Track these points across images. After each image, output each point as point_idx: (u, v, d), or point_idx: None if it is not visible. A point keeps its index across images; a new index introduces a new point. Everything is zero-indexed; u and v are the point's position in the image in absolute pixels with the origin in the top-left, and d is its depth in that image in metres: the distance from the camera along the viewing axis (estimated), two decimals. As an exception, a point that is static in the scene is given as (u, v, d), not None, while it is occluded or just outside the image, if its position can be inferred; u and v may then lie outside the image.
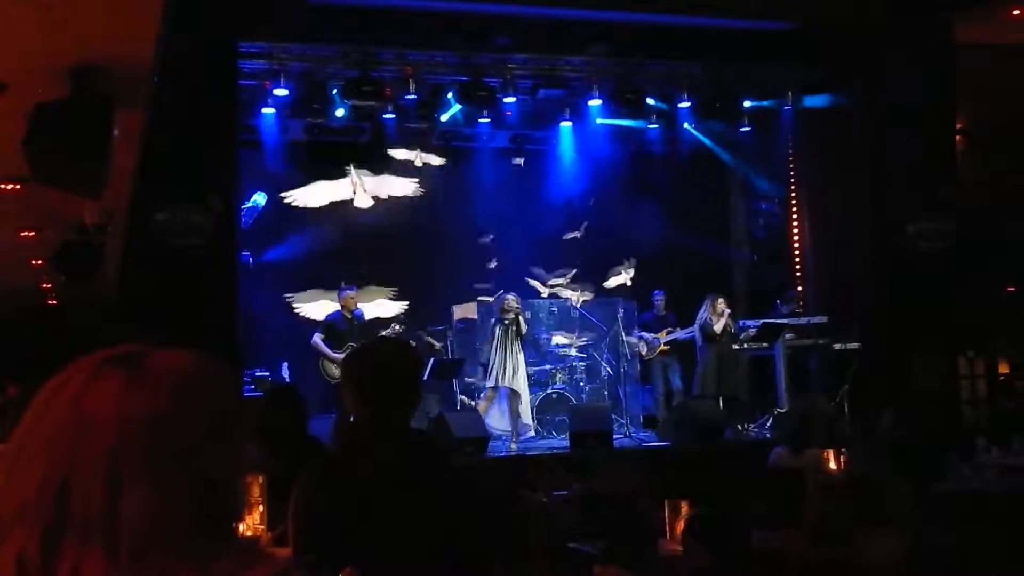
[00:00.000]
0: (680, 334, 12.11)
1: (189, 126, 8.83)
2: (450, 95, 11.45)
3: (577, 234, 13.07)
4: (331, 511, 2.54)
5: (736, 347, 11.86)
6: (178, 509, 1.16)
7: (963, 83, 11.05)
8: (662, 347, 12.13)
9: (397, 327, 11.38)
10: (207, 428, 1.22)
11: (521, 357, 11.15)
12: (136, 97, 5.64)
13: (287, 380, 10.95)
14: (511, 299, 11.13)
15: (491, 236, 12.68)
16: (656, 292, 12.42)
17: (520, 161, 13.05)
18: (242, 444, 1.28)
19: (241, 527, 3.25)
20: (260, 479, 3.33)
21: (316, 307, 12.21)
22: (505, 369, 10.93)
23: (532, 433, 11.41)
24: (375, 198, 12.82)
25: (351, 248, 12.52)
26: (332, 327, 10.75)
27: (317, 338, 10.67)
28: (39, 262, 12.16)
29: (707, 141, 13.22)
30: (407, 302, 12.49)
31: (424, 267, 12.65)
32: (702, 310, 11.77)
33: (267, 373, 10.93)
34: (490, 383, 10.99)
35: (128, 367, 1.22)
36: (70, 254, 9.52)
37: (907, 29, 10.82)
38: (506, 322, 11.03)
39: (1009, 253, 12.80)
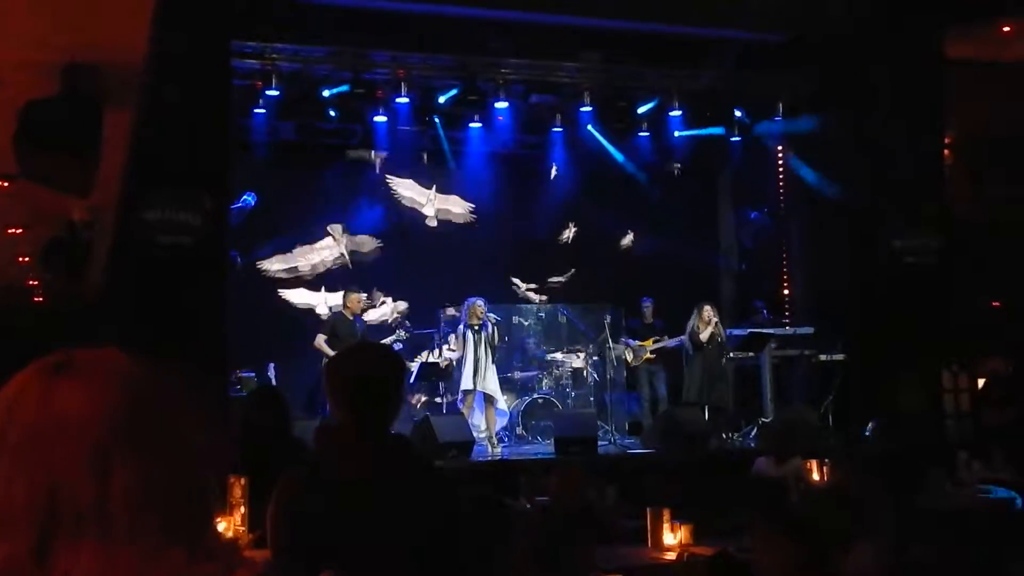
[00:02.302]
0: (668, 343, 12.12)
1: (180, 125, 8.80)
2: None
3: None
4: (310, 515, 2.54)
5: (724, 357, 11.87)
6: (164, 487, 1.21)
7: (953, 98, 11.12)
8: (648, 355, 12.15)
9: (402, 333, 11.37)
10: (169, 411, 1.28)
11: (492, 363, 11.15)
12: (127, 96, 5.63)
13: (272, 381, 10.93)
14: (478, 305, 11.14)
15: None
16: (644, 299, 12.44)
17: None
18: (196, 432, 1.33)
19: (222, 527, 3.26)
20: (242, 481, 3.33)
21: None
22: (477, 373, 10.94)
23: (516, 430, 11.49)
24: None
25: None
26: (335, 329, 10.74)
27: (320, 339, 10.68)
28: (26, 259, 12.12)
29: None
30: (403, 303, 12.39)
31: (414, 269, 12.63)
32: (691, 319, 11.77)
33: (253, 373, 10.90)
34: (466, 387, 11.00)
35: (77, 366, 1.25)
36: (58, 251, 9.49)
37: (898, 44, 10.88)
38: (476, 327, 11.04)
39: (995, 268, 12.84)
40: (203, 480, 1.29)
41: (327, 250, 12.51)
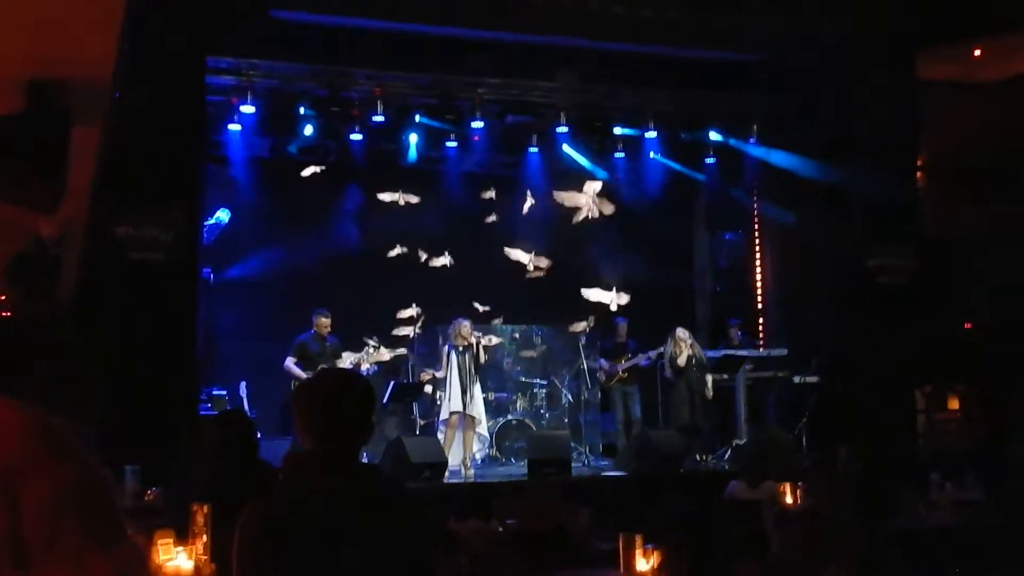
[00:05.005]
0: (640, 360, 12.05)
1: (154, 141, 8.75)
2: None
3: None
4: (275, 546, 2.48)
5: (705, 377, 11.85)
6: (73, 491, 1.24)
7: (926, 119, 11.21)
8: (621, 375, 12.10)
9: (371, 350, 11.29)
10: (60, 430, 1.31)
11: (478, 384, 11.12)
12: (96, 111, 5.57)
13: (244, 400, 10.84)
14: (464, 326, 11.09)
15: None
16: (618, 319, 12.42)
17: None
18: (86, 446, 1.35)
19: (185, 556, 3.19)
20: (205, 508, 3.26)
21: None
22: (463, 395, 10.88)
23: (490, 452, 11.44)
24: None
25: (313, 268, 12.38)
26: (305, 350, 10.67)
27: (289, 362, 10.58)
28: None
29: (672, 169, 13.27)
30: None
31: (385, 289, 12.51)
32: (667, 345, 11.77)
33: (224, 392, 10.81)
34: (454, 408, 10.93)
35: None
36: (25, 266, 9.35)
37: (872, 66, 10.96)
38: (460, 348, 11.00)
39: (968, 288, 12.92)
40: (106, 480, 1.30)
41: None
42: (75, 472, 1.24)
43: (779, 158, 12.29)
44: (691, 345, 11.77)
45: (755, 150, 12.54)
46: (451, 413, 10.93)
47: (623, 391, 12.17)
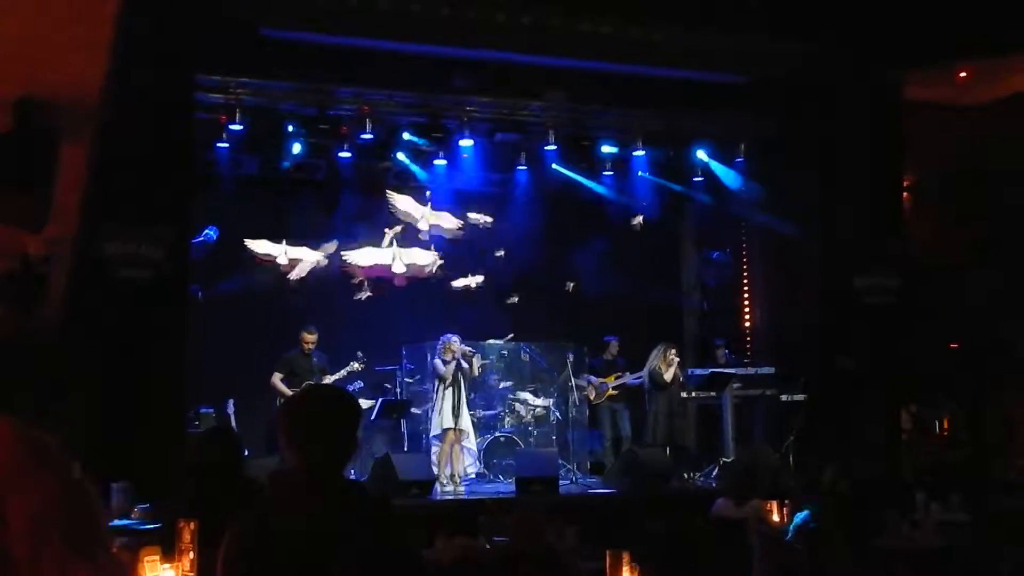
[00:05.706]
0: (628, 379, 12.12)
1: (143, 158, 8.75)
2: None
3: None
4: (259, 562, 2.49)
5: (684, 395, 11.93)
6: (60, 504, 1.25)
7: (911, 140, 11.29)
8: (610, 392, 12.15)
9: (356, 365, 11.29)
10: (44, 443, 1.33)
11: (464, 399, 11.14)
12: (84, 130, 5.59)
13: (232, 418, 10.83)
14: (453, 341, 11.12)
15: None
16: (609, 337, 12.45)
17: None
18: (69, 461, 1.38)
19: (171, 573, 3.20)
20: (192, 525, 3.27)
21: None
22: (452, 410, 10.91)
23: (480, 469, 11.45)
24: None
25: (301, 285, 12.38)
26: (291, 367, 10.70)
27: (276, 378, 10.60)
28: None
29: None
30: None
31: (375, 306, 12.54)
32: (652, 358, 11.80)
33: (212, 410, 10.78)
34: (446, 425, 10.95)
35: None
36: (12, 284, 9.35)
37: (858, 87, 11.05)
38: (449, 363, 11.03)
39: (954, 309, 12.99)
40: (91, 495, 1.33)
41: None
42: (60, 486, 1.26)
43: (764, 178, 12.36)
44: (679, 364, 11.82)
45: (741, 170, 12.59)
46: (443, 430, 10.98)
47: (611, 408, 12.21)
